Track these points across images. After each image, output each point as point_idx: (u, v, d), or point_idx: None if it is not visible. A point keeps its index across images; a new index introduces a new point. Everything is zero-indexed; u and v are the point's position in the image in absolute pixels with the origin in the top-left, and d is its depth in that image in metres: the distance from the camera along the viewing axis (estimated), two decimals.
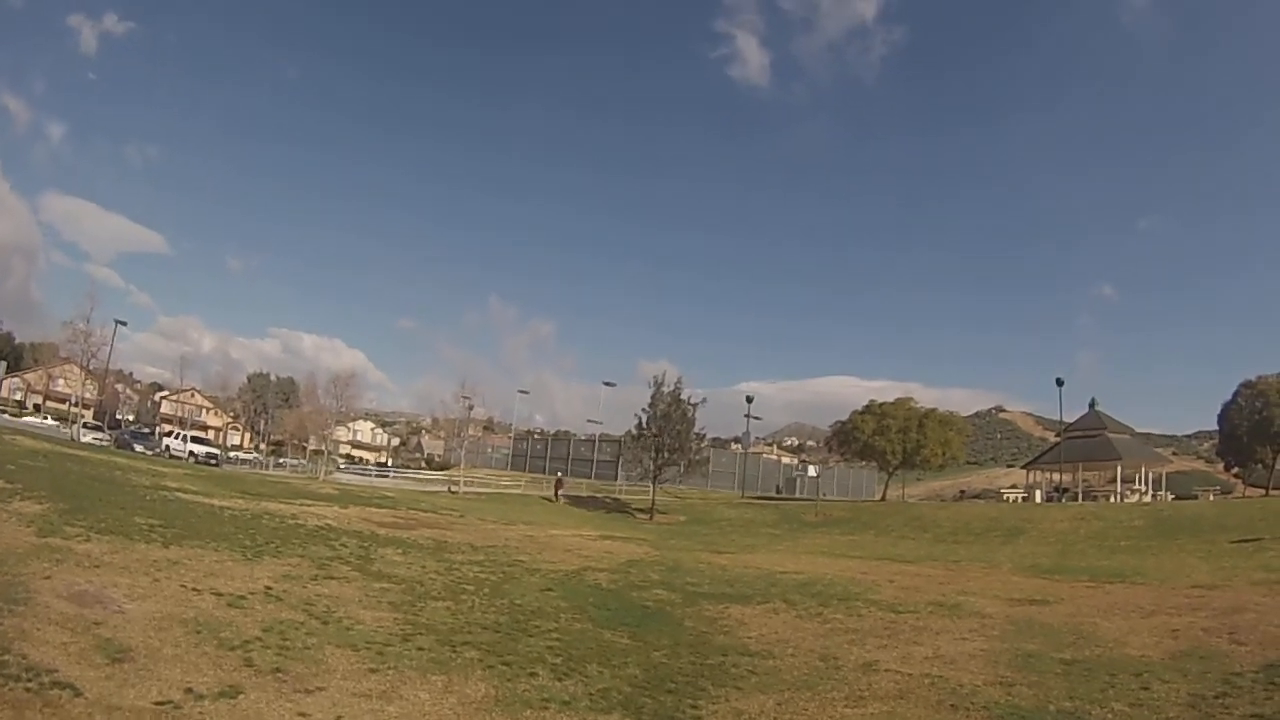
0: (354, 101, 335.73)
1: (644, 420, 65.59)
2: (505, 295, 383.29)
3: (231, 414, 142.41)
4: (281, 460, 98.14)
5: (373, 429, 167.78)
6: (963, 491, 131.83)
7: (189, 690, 11.08)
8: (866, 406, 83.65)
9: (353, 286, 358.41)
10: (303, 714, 11.05)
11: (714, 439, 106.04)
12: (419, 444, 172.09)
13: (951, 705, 13.93)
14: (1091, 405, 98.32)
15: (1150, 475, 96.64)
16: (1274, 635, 18.76)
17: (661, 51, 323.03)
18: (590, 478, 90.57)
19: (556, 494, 62.85)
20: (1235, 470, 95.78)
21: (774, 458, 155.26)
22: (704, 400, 67.74)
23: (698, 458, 68.06)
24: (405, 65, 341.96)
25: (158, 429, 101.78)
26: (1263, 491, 78.16)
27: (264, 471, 76.01)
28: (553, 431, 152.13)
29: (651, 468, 64.98)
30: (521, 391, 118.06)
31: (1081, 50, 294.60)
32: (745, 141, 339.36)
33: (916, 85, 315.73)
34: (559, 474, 69.29)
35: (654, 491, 65.09)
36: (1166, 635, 19.48)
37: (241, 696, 11.25)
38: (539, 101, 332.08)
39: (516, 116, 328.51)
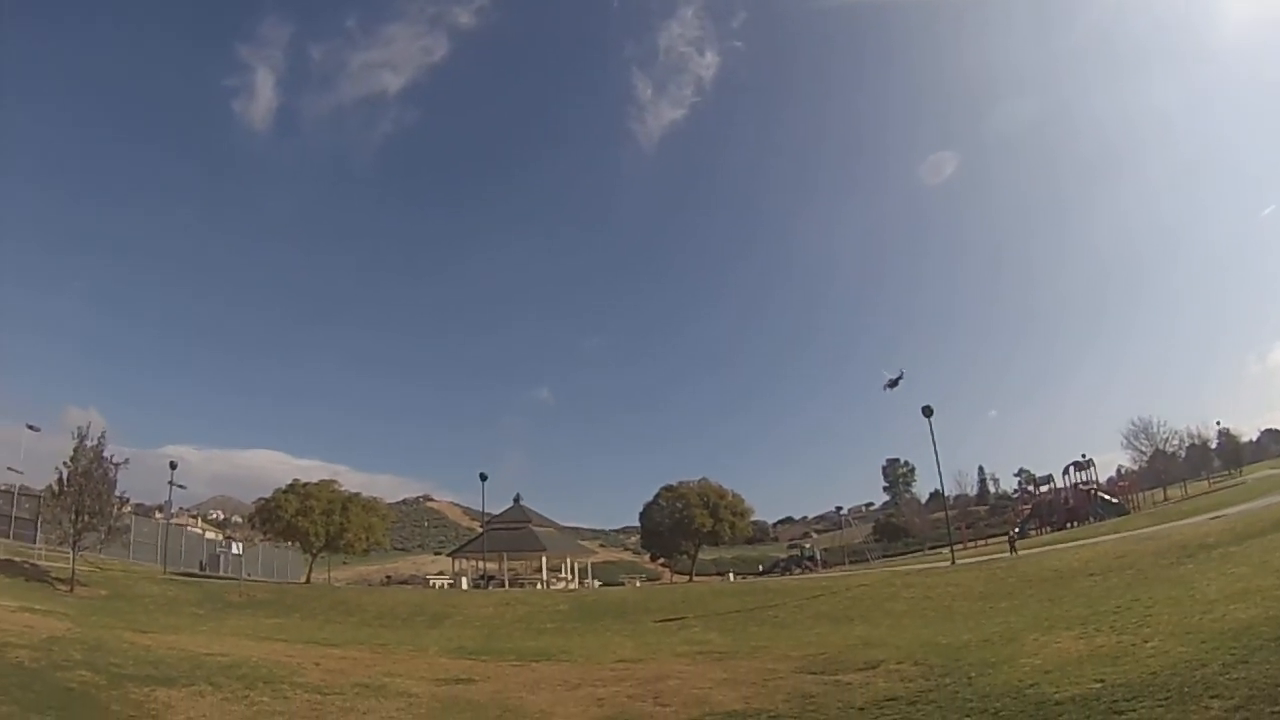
0: None
1: (64, 476, 59.78)
2: None
3: None
4: None
5: None
6: (389, 577, 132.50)
7: None
8: (290, 485, 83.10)
9: None
10: None
11: (137, 505, 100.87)
12: None
13: None
14: (516, 499, 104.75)
15: (576, 565, 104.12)
16: (696, 696, 21.40)
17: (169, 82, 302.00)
18: (9, 537, 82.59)
19: None
20: (662, 560, 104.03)
21: (198, 531, 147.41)
22: (126, 461, 63.20)
23: (119, 524, 63.44)
24: None
25: None
26: (687, 578, 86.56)
27: None
28: None
29: (71, 532, 59.24)
30: None
31: (579, 175, 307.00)
32: (226, 183, 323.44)
33: (410, 179, 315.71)
34: None
35: (74, 560, 60.02)
36: (592, 704, 21.62)
37: None
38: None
39: None
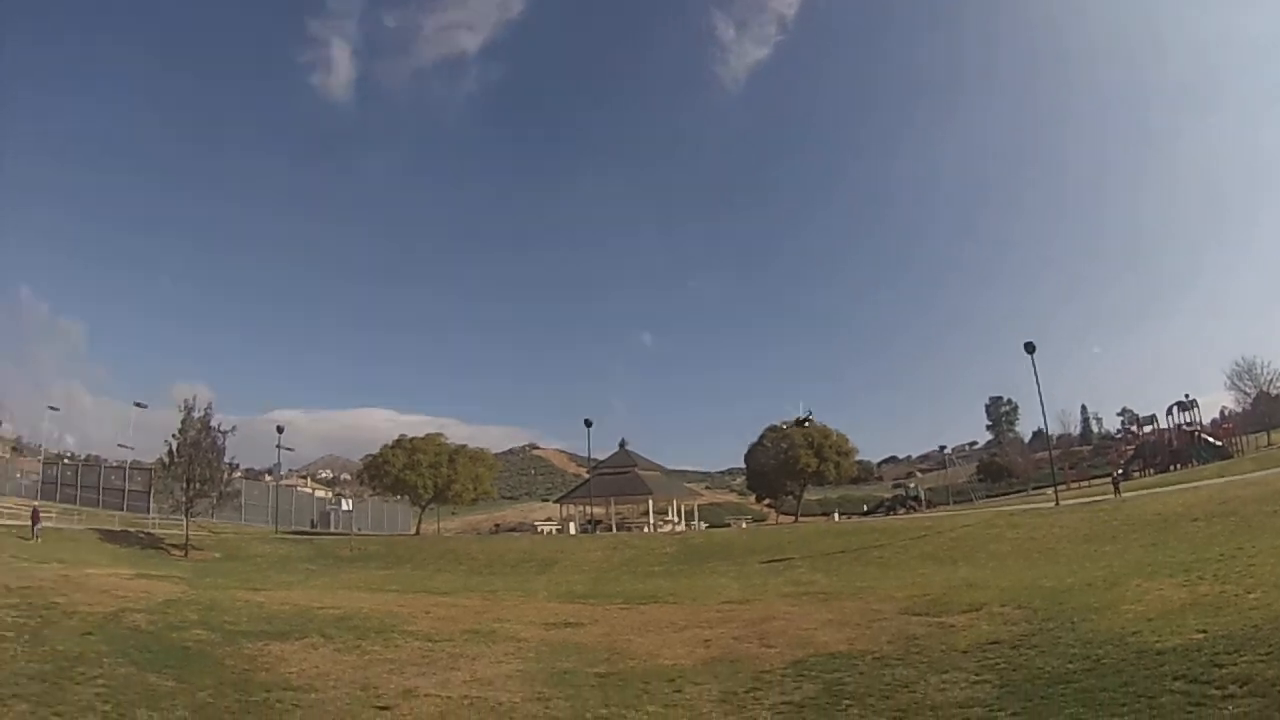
0: None
1: (174, 448, 62.15)
2: (37, 287, 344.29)
3: None
4: None
5: None
6: (497, 525, 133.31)
7: None
8: (397, 441, 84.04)
9: None
10: None
11: (247, 470, 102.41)
12: None
13: None
14: (622, 444, 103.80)
15: (683, 507, 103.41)
16: (800, 637, 21.41)
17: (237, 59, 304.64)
18: (123, 508, 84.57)
19: (33, 528, 56.98)
20: (767, 501, 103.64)
21: (308, 491, 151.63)
22: (234, 428, 65.69)
23: (229, 490, 65.61)
24: None
25: None
26: (793, 519, 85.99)
27: None
28: (84, 456, 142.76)
29: (183, 500, 61.86)
30: (51, 408, 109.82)
31: (664, 122, 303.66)
32: (311, 156, 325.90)
33: (500, 128, 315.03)
34: (35, 506, 64.51)
35: (187, 526, 62.06)
36: (699, 645, 21.69)
37: None
38: (87, 46, 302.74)
39: (69, 69, 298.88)
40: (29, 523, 55.84)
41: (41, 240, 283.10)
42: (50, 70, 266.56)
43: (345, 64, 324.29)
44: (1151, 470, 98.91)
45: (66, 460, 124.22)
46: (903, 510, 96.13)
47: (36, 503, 66.47)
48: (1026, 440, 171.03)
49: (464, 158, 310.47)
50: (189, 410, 62.79)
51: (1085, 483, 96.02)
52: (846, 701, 14.69)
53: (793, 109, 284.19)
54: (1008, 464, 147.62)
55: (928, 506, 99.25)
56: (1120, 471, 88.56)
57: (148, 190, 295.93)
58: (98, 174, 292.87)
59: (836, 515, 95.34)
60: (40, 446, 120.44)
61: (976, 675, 15.51)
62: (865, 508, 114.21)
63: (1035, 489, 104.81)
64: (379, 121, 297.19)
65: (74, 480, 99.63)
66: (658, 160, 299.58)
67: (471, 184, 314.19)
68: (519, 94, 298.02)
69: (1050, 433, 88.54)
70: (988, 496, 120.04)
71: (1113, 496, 56.49)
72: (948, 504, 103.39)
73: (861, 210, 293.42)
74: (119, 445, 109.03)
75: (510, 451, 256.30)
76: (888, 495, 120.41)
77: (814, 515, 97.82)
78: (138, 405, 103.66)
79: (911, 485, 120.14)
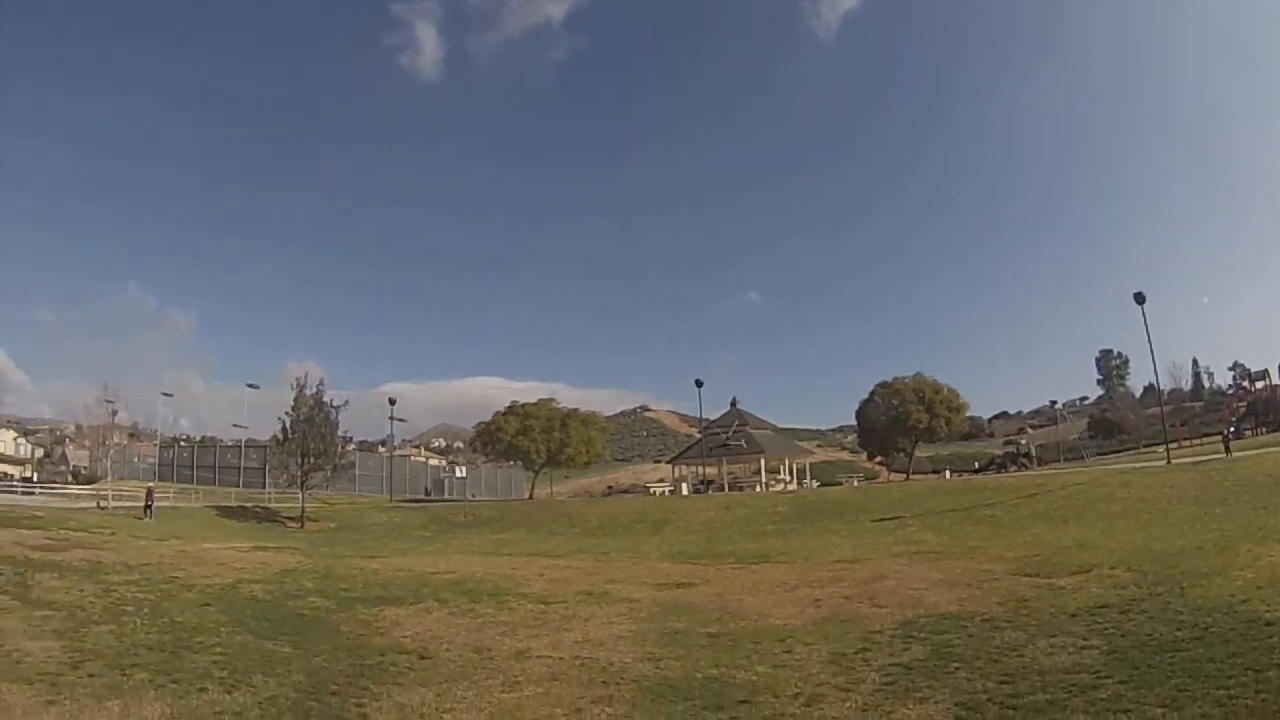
0: None
1: (287, 425, 64.01)
2: (144, 283, 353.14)
3: None
4: None
5: (16, 439, 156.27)
6: (610, 487, 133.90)
7: None
8: (509, 407, 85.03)
9: None
10: None
11: (360, 442, 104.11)
12: (64, 455, 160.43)
13: (603, 682, 15.39)
14: (733, 403, 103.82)
15: (794, 466, 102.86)
16: (911, 598, 21.38)
17: (334, 34, 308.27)
18: (239, 485, 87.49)
19: (147, 508, 57.62)
20: (879, 459, 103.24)
21: (421, 460, 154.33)
22: (346, 403, 67.17)
23: (343, 462, 67.07)
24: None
25: None
26: (904, 477, 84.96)
27: None
28: (199, 437, 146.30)
29: (298, 474, 63.44)
30: (165, 395, 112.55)
31: (751, 84, 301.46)
32: (406, 132, 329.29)
33: (591, 93, 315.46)
34: (149, 487, 65.93)
35: (303, 498, 63.93)
36: (810, 605, 21.78)
37: None
38: (179, 50, 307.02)
39: (155, 71, 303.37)
40: (144, 503, 57.59)
41: (146, 239, 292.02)
42: (146, 75, 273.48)
43: (432, 42, 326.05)
44: (1264, 429, 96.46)
45: (182, 443, 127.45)
46: (1014, 468, 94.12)
47: (151, 484, 68.09)
48: (1137, 395, 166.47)
49: (556, 126, 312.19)
50: (301, 388, 64.56)
51: (1197, 440, 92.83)
52: (954, 664, 14.62)
53: (886, 56, 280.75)
54: (1119, 420, 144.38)
55: (1039, 464, 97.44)
56: (1231, 429, 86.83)
57: (246, 186, 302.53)
58: (195, 173, 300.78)
59: (947, 473, 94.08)
60: (156, 431, 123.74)
61: (1084, 640, 15.28)
62: (976, 465, 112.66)
63: (1146, 446, 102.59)
64: (469, 96, 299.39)
65: (190, 461, 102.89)
66: (754, 117, 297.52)
67: (565, 151, 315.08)
68: (608, 58, 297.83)
69: (1161, 388, 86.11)
70: (1099, 454, 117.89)
71: (1223, 455, 54.84)
72: (1058, 461, 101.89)
73: (961, 157, 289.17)
74: (234, 425, 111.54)
75: (621, 414, 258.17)
76: (999, 452, 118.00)
77: (925, 473, 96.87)
78: (250, 386, 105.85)
79: (1023, 442, 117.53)
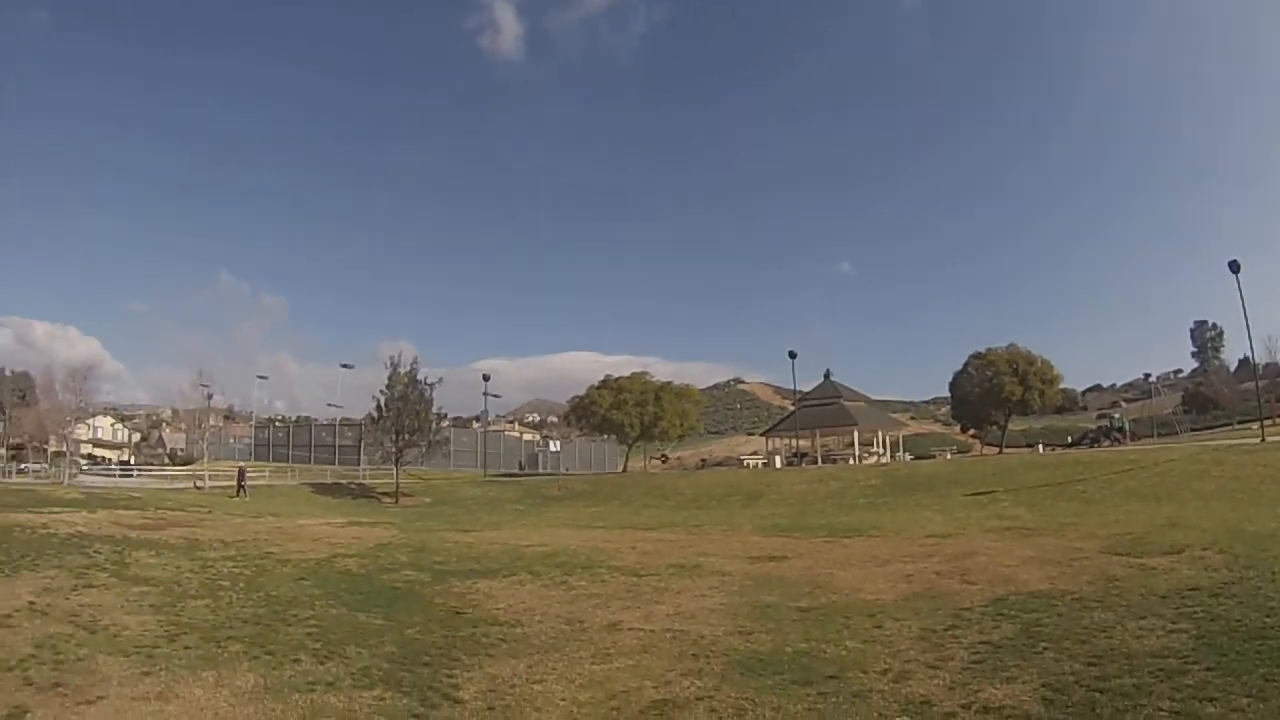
0: (70, 52, 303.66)
1: (382, 403, 64.96)
2: (236, 270, 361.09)
3: None
4: (23, 466, 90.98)
5: (113, 425, 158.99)
6: (704, 460, 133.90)
7: None
8: (603, 381, 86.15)
9: (84, 265, 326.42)
10: None
11: (454, 418, 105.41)
12: (160, 438, 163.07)
13: (693, 655, 15.54)
14: (827, 375, 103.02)
15: (887, 438, 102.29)
16: (1002, 575, 21.15)
17: (412, 15, 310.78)
18: (334, 463, 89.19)
19: (240, 487, 59.26)
20: (972, 432, 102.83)
21: (515, 435, 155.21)
22: (440, 380, 67.65)
23: (438, 438, 68.00)
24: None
25: None
26: (997, 450, 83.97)
27: (5, 480, 70.73)
28: (294, 418, 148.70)
29: (393, 450, 64.58)
30: (260, 377, 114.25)
31: (841, 47, 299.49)
32: (490, 112, 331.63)
33: (670, 64, 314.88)
34: (240, 466, 66.77)
35: (397, 474, 64.85)
36: (901, 580, 21.66)
37: (29, 716, 11.71)
38: (264, 54, 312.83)
39: (240, 70, 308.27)
40: (236, 482, 59.31)
41: (235, 229, 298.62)
42: (231, 76, 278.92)
43: (511, 22, 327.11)
44: None
45: (277, 424, 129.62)
46: (1106, 442, 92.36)
47: (243, 463, 69.49)
48: (1232, 369, 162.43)
49: (641, 100, 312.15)
50: (395, 366, 65.39)
51: None
52: (1043, 644, 14.46)
53: (969, 15, 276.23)
54: (1213, 394, 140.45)
55: (1132, 439, 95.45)
56: None
57: (333, 172, 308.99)
58: (280, 163, 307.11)
59: (1040, 447, 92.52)
60: (251, 413, 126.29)
61: (1173, 623, 15.01)
62: (1069, 439, 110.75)
63: (1241, 422, 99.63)
64: (551, 74, 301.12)
65: (285, 440, 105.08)
66: (845, 87, 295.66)
67: (651, 125, 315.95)
68: (691, 29, 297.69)
69: (1256, 360, 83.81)
70: (1193, 429, 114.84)
71: None
72: (1151, 436, 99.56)
73: (1049, 121, 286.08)
74: (328, 405, 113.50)
75: (715, 387, 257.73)
76: (1092, 426, 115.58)
77: (1018, 446, 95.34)
78: (344, 367, 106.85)
79: (1116, 416, 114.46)
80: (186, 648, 15.58)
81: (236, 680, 13.80)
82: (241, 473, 60.51)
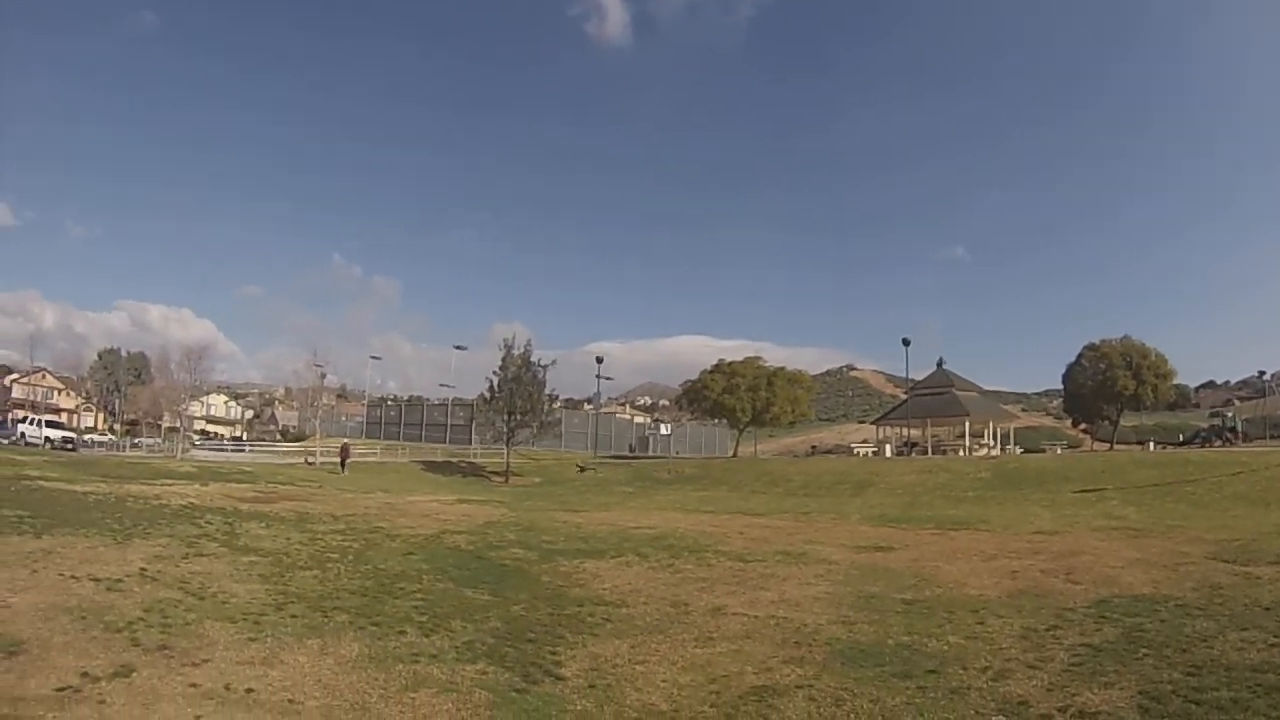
0: (199, 48, 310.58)
1: (495, 384, 65.84)
2: (347, 253, 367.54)
3: (84, 395, 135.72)
4: (137, 440, 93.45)
5: (226, 403, 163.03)
6: (814, 447, 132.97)
7: (85, 674, 11.45)
8: (716, 365, 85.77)
9: (197, 251, 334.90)
10: (194, 685, 11.53)
11: (566, 400, 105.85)
12: (273, 416, 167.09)
13: (795, 643, 15.15)
14: (939, 364, 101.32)
15: (998, 430, 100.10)
16: (1108, 575, 20.44)
17: (513, 24, 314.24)
18: (445, 442, 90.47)
19: (342, 463, 61.26)
20: (1083, 426, 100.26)
21: (626, 417, 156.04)
22: (554, 362, 68.38)
23: (550, 419, 68.44)
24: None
25: (9, 415, 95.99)
26: (1107, 446, 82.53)
27: (121, 453, 73.03)
28: (406, 397, 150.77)
29: (504, 430, 65.36)
30: (374, 358, 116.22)
31: (949, 27, 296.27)
32: (606, 95, 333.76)
33: (779, 48, 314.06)
34: (344, 442, 69.00)
35: (508, 454, 65.68)
36: (1006, 576, 21.05)
37: (135, 675, 11.69)
38: (379, 37, 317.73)
39: (356, 54, 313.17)
40: (339, 458, 60.78)
41: (351, 211, 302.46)
42: (344, 63, 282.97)
43: (616, 8, 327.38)
44: None
45: (389, 402, 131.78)
46: (1218, 442, 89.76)
47: (346, 439, 70.52)
48: None
49: (751, 82, 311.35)
50: (509, 348, 66.36)
51: None
52: (1144, 650, 13.86)
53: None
54: None
55: (1244, 439, 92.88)
56: None
57: (444, 157, 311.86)
58: (394, 145, 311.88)
59: (1152, 444, 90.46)
60: (364, 392, 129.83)
61: (1275, 636, 14.20)
62: (1181, 437, 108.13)
63: None
64: (659, 59, 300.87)
65: (397, 419, 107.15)
66: (955, 69, 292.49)
67: (761, 108, 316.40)
68: (798, 11, 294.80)
69: None
70: None
71: None
72: (1264, 437, 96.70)
73: (1165, 105, 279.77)
74: (441, 385, 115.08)
75: (827, 373, 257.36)
76: (1204, 425, 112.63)
77: (1128, 443, 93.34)
78: (457, 348, 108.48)
79: (1229, 415, 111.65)
80: (293, 616, 15.65)
81: (341, 649, 13.82)
82: (345, 449, 61.56)
